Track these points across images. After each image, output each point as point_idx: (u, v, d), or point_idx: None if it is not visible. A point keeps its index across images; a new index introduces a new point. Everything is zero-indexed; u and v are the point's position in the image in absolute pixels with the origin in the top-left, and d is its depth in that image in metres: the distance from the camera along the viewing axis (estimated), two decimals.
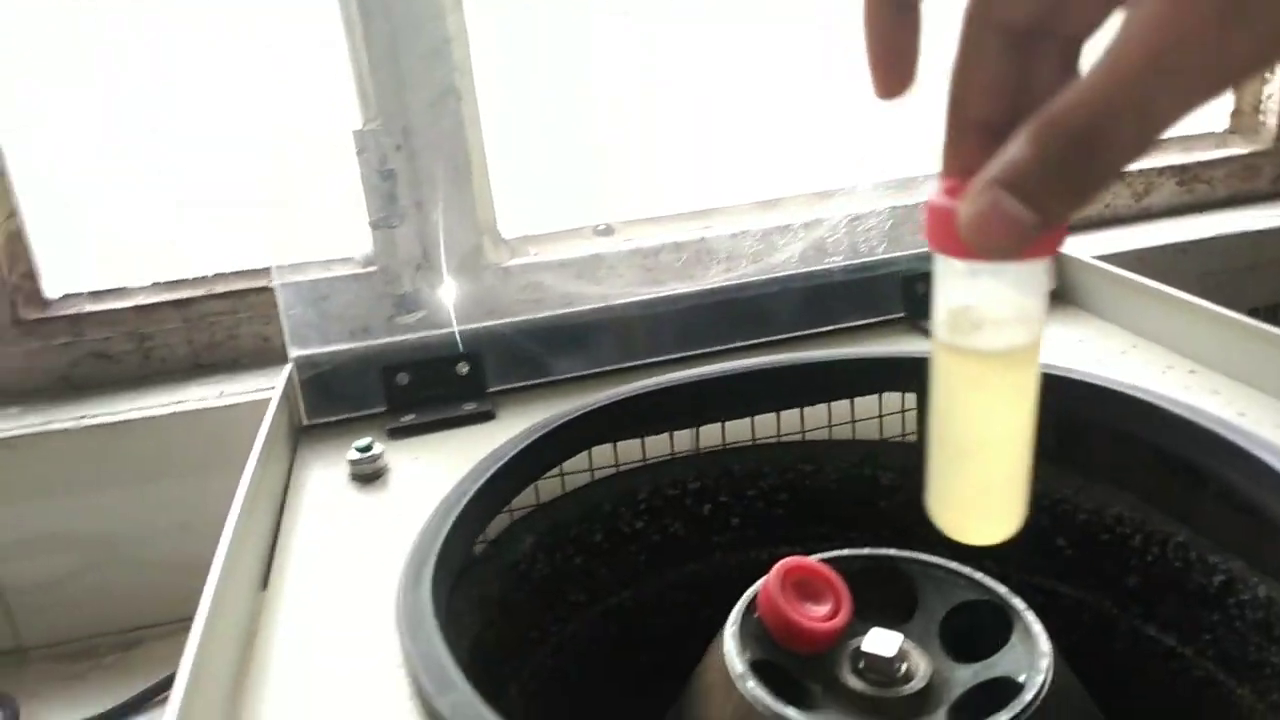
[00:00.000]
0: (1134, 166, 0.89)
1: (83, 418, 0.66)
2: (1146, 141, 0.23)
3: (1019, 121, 0.24)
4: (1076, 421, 0.56)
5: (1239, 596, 0.49)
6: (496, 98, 0.74)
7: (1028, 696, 0.39)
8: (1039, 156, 0.23)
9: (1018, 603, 0.45)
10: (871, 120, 0.73)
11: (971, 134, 0.27)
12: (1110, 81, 0.22)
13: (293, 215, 0.65)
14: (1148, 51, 0.22)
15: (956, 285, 0.29)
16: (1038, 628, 0.43)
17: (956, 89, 0.28)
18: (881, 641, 0.43)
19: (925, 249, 0.69)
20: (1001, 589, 0.46)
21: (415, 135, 0.69)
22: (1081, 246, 0.74)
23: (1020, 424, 0.30)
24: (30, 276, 0.72)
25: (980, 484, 0.31)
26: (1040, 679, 0.40)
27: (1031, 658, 0.41)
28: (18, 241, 0.71)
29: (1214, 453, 0.48)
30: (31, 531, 0.67)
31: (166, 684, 0.63)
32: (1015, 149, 0.24)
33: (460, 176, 0.71)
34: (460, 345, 0.62)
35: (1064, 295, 0.70)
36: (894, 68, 0.28)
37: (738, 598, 0.58)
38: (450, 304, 0.69)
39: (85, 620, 0.69)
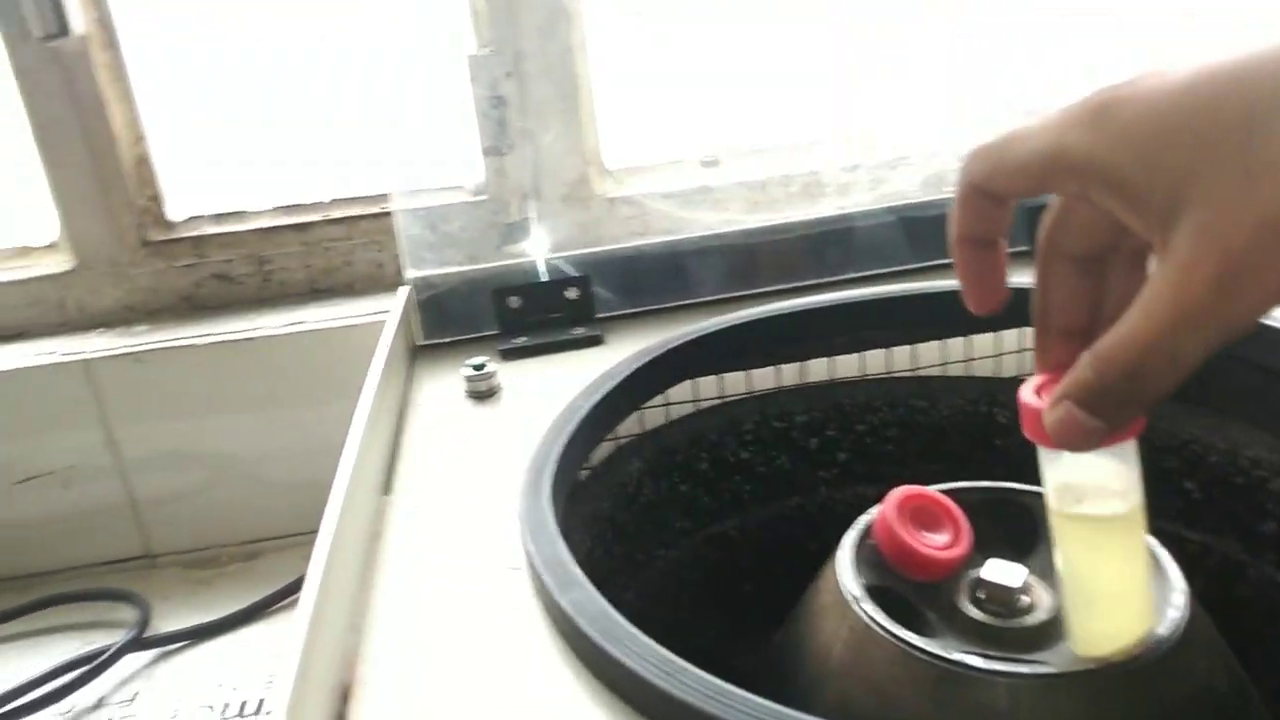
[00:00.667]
0: None
1: (206, 335, 0.69)
2: (1181, 375, 0.28)
3: (1098, 326, 0.31)
4: (1214, 358, 0.53)
5: None
6: (604, 23, 0.73)
7: (1162, 633, 0.37)
8: (1098, 382, 0.29)
9: (1149, 540, 0.43)
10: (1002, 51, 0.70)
11: (1057, 338, 0.33)
12: (1145, 332, 0.28)
13: (409, 141, 0.66)
14: (1166, 316, 0.27)
15: (1056, 466, 0.34)
16: (1170, 564, 0.41)
17: (1039, 305, 0.33)
18: (1004, 571, 0.42)
19: None
20: None
21: (526, 61, 0.68)
22: None
23: (1133, 575, 0.36)
24: (156, 199, 0.74)
25: (1106, 623, 0.37)
26: (1176, 616, 0.38)
27: (1165, 594, 0.40)
28: (145, 165, 0.74)
29: None
30: (161, 447, 0.70)
31: (286, 592, 0.66)
32: (1082, 371, 0.29)
33: (568, 105, 0.71)
34: (569, 270, 0.62)
35: None
36: (985, 293, 0.34)
37: (842, 531, 0.58)
38: (558, 231, 0.69)
39: (210, 531, 0.72)
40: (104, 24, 0.70)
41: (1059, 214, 0.32)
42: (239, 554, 0.72)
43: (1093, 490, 0.34)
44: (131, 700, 0.59)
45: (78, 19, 0.68)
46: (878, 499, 0.62)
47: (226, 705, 0.57)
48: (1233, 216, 0.26)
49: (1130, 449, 0.33)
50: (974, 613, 0.41)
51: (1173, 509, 0.55)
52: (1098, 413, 0.29)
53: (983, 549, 0.44)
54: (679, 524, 0.60)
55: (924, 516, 0.45)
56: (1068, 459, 0.34)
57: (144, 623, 0.63)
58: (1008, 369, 0.61)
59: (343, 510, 0.39)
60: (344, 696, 0.33)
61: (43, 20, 0.66)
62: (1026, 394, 0.32)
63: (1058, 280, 0.32)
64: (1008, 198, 0.32)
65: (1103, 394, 0.29)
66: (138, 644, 0.62)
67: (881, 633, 0.39)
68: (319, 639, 0.32)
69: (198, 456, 0.71)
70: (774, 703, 0.31)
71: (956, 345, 0.61)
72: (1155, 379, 0.28)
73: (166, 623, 0.65)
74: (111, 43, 0.70)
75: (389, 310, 0.60)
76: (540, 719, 0.31)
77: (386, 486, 0.45)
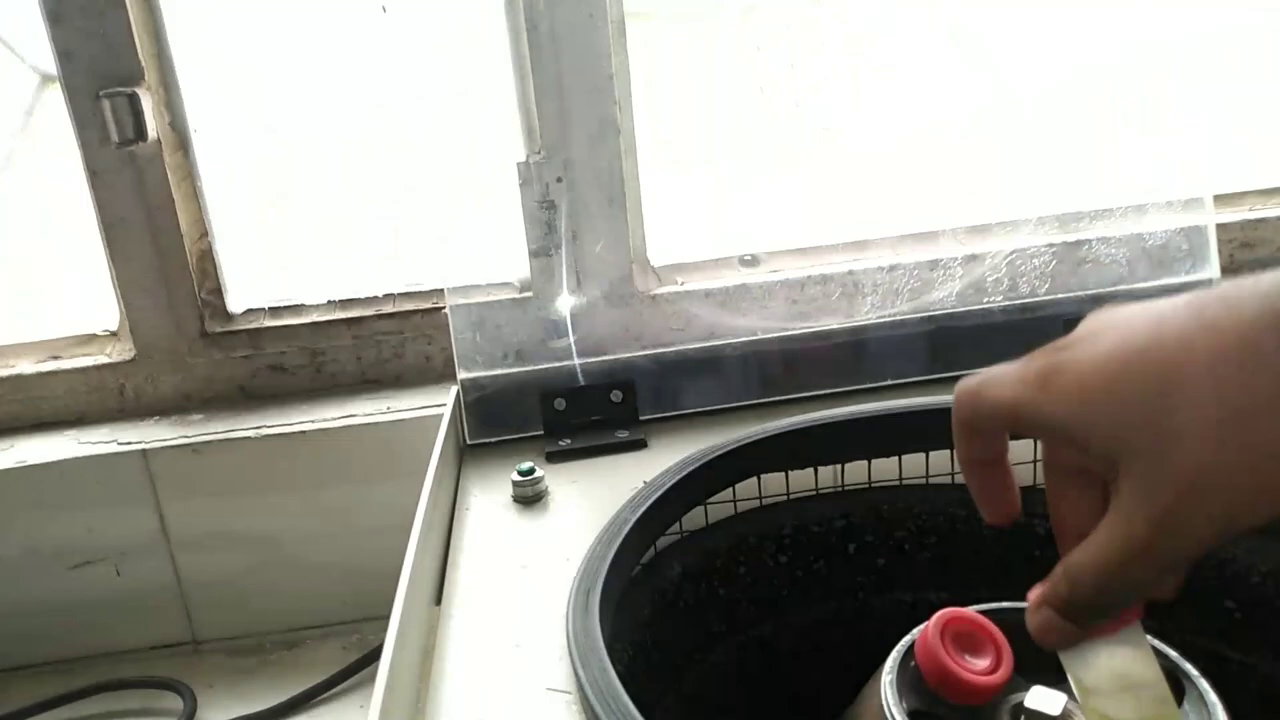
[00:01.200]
0: None
1: (260, 427, 0.71)
2: (1141, 592, 0.34)
3: None
4: None
5: None
6: (649, 129, 0.76)
7: None
8: (1069, 594, 0.34)
9: (1189, 668, 0.43)
10: (1031, 153, 0.71)
11: (1071, 538, 0.35)
12: (1103, 559, 0.32)
13: (460, 241, 0.69)
14: (1117, 548, 0.31)
15: (1071, 662, 0.37)
16: (1213, 696, 0.42)
17: (1051, 510, 0.37)
18: (1046, 699, 0.42)
19: (1089, 290, 0.67)
20: (1172, 652, 0.44)
21: (575, 168, 0.71)
22: None
23: None
24: (218, 293, 0.77)
25: None
26: None
27: None
28: (208, 259, 0.77)
29: None
30: (210, 531, 0.72)
31: (327, 685, 0.67)
32: (1056, 583, 0.35)
33: (615, 207, 0.73)
34: (612, 373, 0.64)
35: None
36: (997, 506, 0.39)
37: (880, 638, 0.58)
38: (600, 331, 0.71)
39: (254, 618, 0.73)
40: (177, 128, 0.74)
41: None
42: (280, 641, 0.73)
43: (1108, 680, 0.37)
44: None
45: (153, 123, 0.72)
46: (916, 607, 0.63)
47: None
48: (1157, 478, 0.30)
49: (1133, 632, 0.37)
50: None
51: (1213, 628, 0.55)
52: (1071, 618, 0.35)
53: (1024, 671, 0.45)
54: (716, 628, 0.60)
55: (966, 639, 0.45)
56: (1078, 655, 0.37)
57: (192, 713, 0.65)
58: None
59: (401, 623, 0.40)
60: None
61: (121, 127, 0.70)
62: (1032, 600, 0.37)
63: (1059, 490, 0.36)
64: (991, 434, 0.36)
65: (1073, 604, 0.34)
66: None
67: None
68: None
69: (245, 543, 0.73)
70: None
71: None
72: (1116, 595, 0.33)
73: (213, 711, 0.66)
74: (183, 145, 0.74)
75: (438, 405, 0.62)
76: None
77: (437, 596, 0.47)
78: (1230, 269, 0.83)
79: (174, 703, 0.66)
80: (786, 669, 0.62)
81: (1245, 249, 0.83)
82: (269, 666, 0.71)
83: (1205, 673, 0.43)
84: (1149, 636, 0.46)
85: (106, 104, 0.70)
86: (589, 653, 0.38)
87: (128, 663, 0.72)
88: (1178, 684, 0.43)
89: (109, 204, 0.74)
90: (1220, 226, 0.82)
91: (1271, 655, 0.53)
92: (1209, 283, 0.66)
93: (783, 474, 0.62)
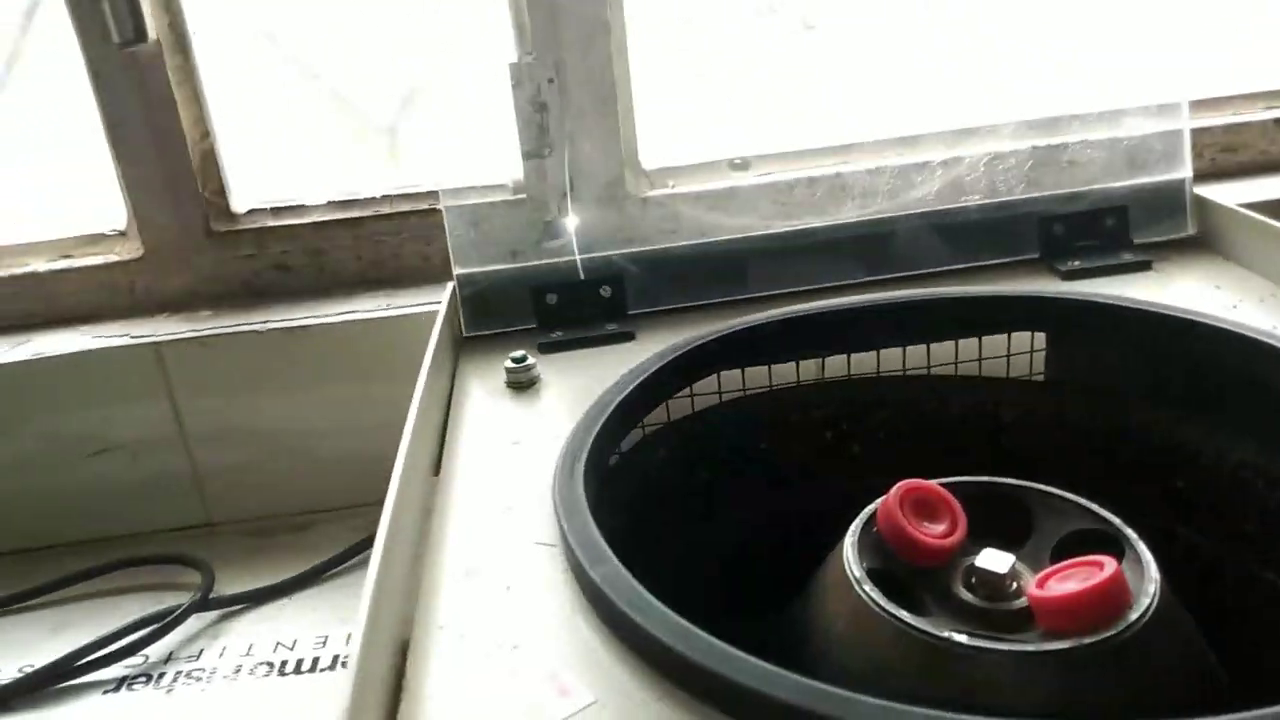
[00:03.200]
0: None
1: (266, 321, 0.74)
2: None
3: None
4: (1206, 367, 0.57)
5: None
6: (641, 30, 0.77)
7: (1132, 616, 0.41)
8: None
9: (1130, 532, 0.47)
10: (1013, 58, 0.73)
11: None
12: None
13: (455, 143, 0.71)
14: None
15: None
16: (1147, 556, 0.45)
17: None
18: (994, 559, 0.46)
19: (1064, 190, 0.69)
20: (1115, 519, 0.48)
21: (566, 69, 0.73)
22: (1223, 193, 0.73)
23: None
24: (221, 193, 0.79)
25: None
26: (1147, 601, 0.42)
27: (1140, 582, 0.44)
28: (211, 161, 0.79)
29: None
30: (221, 423, 0.76)
31: (336, 561, 0.71)
32: None
33: (606, 109, 0.75)
34: (603, 270, 0.66)
35: (1203, 241, 0.69)
36: None
37: (855, 519, 0.62)
38: (593, 231, 0.73)
39: (266, 502, 0.77)
40: (176, 29, 0.75)
41: None
42: (290, 524, 0.77)
43: None
44: (198, 656, 0.64)
45: (153, 25, 0.73)
46: (886, 490, 0.67)
47: (284, 663, 0.63)
48: None
49: None
50: (965, 596, 0.46)
51: (1164, 507, 0.59)
52: None
53: (977, 538, 0.48)
54: (696, 509, 0.64)
55: (924, 507, 0.49)
56: None
57: (209, 587, 0.69)
58: (1017, 369, 0.65)
59: (400, 488, 0.44)
60: (402, 652, 0.38)
61: (121, 27, 0.71)
62: (1034, 590, 0.41)
63: None
64: None
65: None
66: (204, 605, 0.68)
67: (880, 611, 0.43)
68: (383, 601, 0.37)
69: (255, 432, 0.77)
70: (779, 668, 0.36)
71: (969, 345, 0.65)
72: None
73: (228, 586, 0.70)
74: (183, 47, 0.76)
75: (435, 302, 0.65)
76: (571, 677, 0.36)
77: (436, 468, 0.50)
78: (1212, 173, 0.85)
79: (192, 577, 0.71)
80: (764, 549, 0.66)
81: (1227, 153, 0.85)
82: (281, 546, 0.75)
83: (1153, 548, 0.46)
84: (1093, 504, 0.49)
85: (106, 4, 0.71)
86: (573, 509, 0.42)
87: (147, 543, 0.76)
88: (1119, 547, 0.47)
89: (113, 105, 0.75)
90: (1203, 130, 0.84)
91: (1217, 535, 0.57)
92: (1182, 183, 0.68)
93: (765, 367, 0.65)
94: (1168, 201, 0.68)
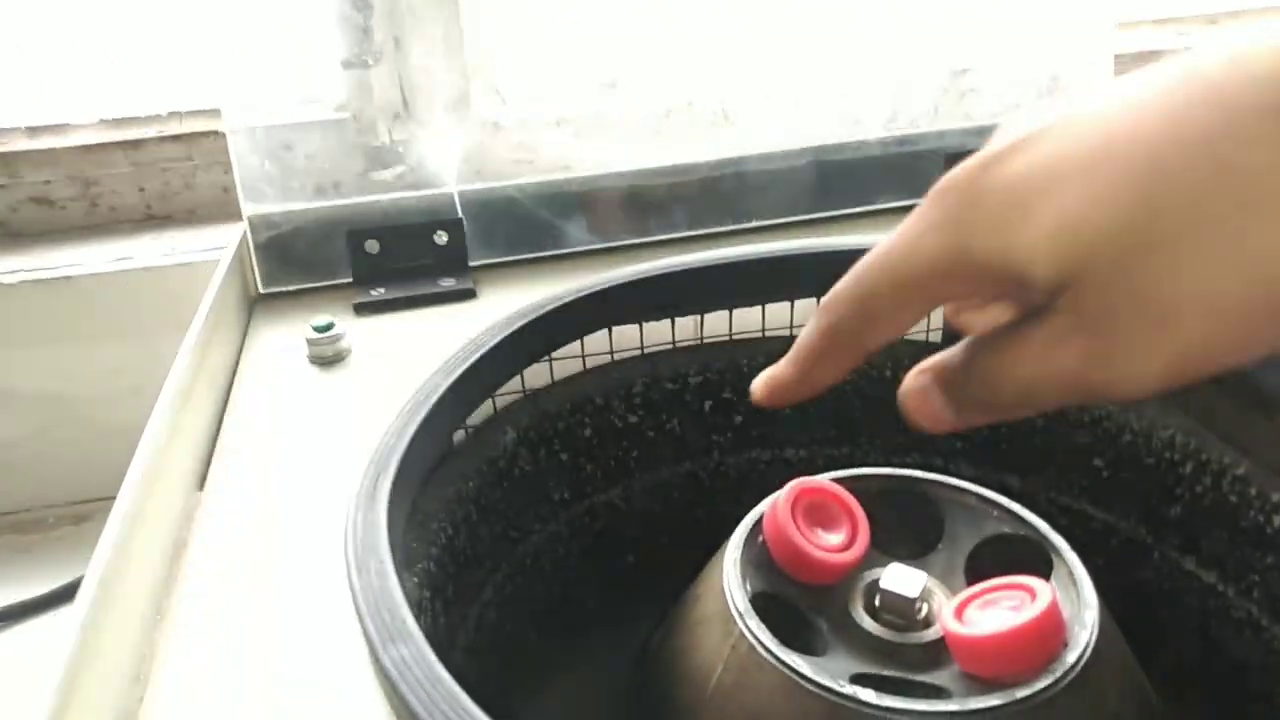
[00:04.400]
0: (1203, 40, 0.79)
1: (17, 271, 0.59)
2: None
3: None
4: None
5: None
6: None
7: (1070, 658, 0.34)
8: (966, 384, 0.28)
9: (1058, 540, 0.40)
10: None
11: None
12: (1031, 375, 0.26)
13: (252, 48, 0.57)
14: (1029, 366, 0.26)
15: None
16: (1081, 571, 0.38)
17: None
18: (901, 579, 0.38)
19: (972, 124, 0.61)
20: (1041, 524, 0.40)
21: None
22: None
23: None
24: None
25: None
26: (1085, 636, 0.35)
27: (1075, 609, 0.36)
28: None
29: None
30: None
31: None
32: (955, 351, 0.28)
33: (446, 9, 0.62)
34: (439, 210, 0.54)
35: None
36: (795, 394, 0.31)
37: (735, 500, 0.53)
38: (432, 160, 0.61)
39: (32, 489, 0.64)
40: None
41: None
42: (66, 515, 0.64)
43: None
44: None
45: None
46: (773, 465, 0.58)
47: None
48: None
49: None
50: (869, 624, 0.38)
51: (1078, 486, 0.52)
52: (952, 400, 0.29)
53: (880, 543, 0.41)
54: (558, 496, 0.54)
55: (818, 513, 0.41)
56: None
57: None
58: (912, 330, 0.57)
59: (132, 513, 0.32)
60: None
61: None
62: (951, 623, 0.35)
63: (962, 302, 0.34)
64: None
65: (965, 382, 0.28)
66: None
67: (767, 656, 0.35)
68: (79, 696, 0.26)
69: (10, 398, 0.62)
70: None
71: None
72: (1021, 408, 0.28)
73: None
74: None
75: (224, 247, 0.52)
76: None
77: (201, 480, 0.38)
78: None
79: None
80: (633, 534, 0.57)
81: None
82: (51, 544, 0.62)
83: (1067, 534, 0.39)
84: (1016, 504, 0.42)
85: None
86: (367, 553, 0.31)
87: None
88: (1045, 558, 0.39)
89: None
90: (1115, 57, 0.76)
91: (1135, 516, 0.51)
92: None
93: (636, 326, 0.55)
94: None
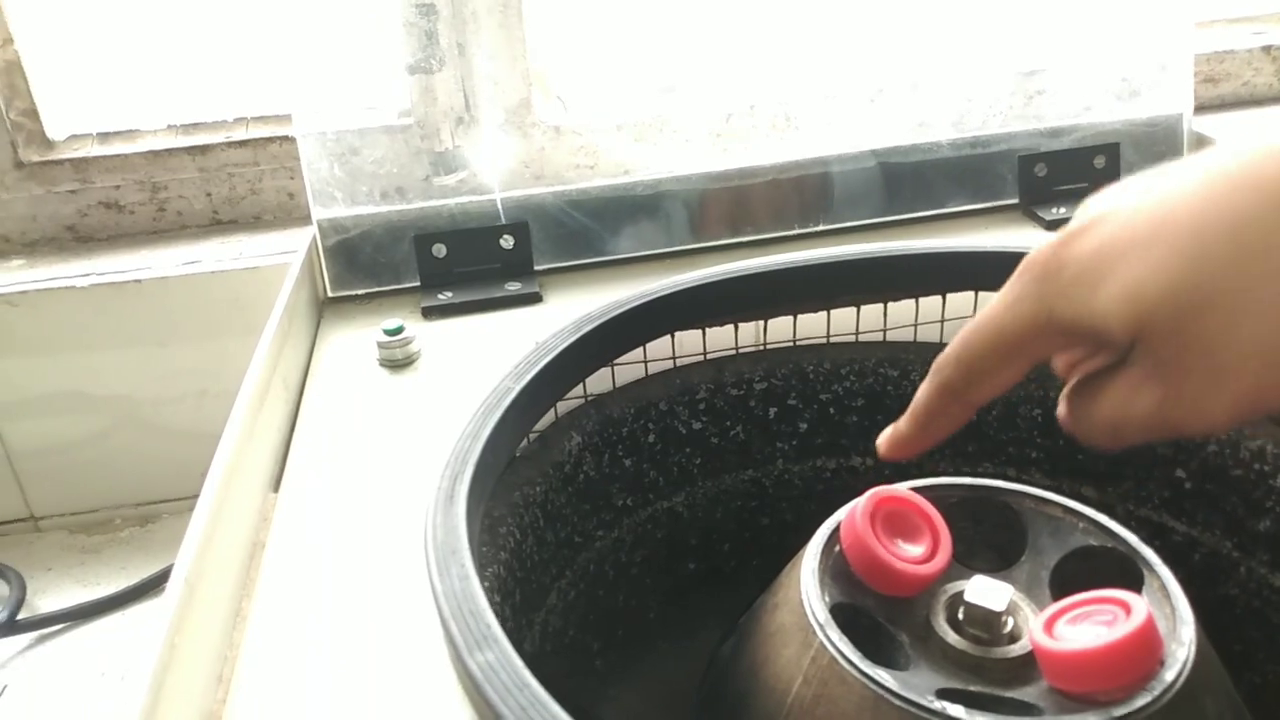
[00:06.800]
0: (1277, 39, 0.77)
1: (88, 275, 0.60)
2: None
3: None
4: None
5: None
6: None
7: (1168, 676, 0.33)
8: (1068, 408, 0.33)
9: (1149, 554, 0.38)
10: None
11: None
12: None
13: (320, 54, 0.57)
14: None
15: None
16: (1175, 586, 0.37)
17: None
18: (987, 592, 0.36)
19: (1046, 125, 0.60)
20: (1130, 536, 0.39)
21: None
22: (1219, 126, 0.64)
23: None
24: (32, 114, 0.64)
25: None
26: (1184, 654, 0.33)
27: (1170, 624, 0.35)
28: (16, 73, 0.64)
29: None
30: (37, 391, 0.62)
31: None
32: (1065, 391, 0.33)
33: (509, 15, 0.62)
34: (504, 215, 0.54)
35: None
36: (915, 446, 0.36)
37: (799, 509, 0.52)
38: (495, 165, 0.61)
39: (99, 490, 0.64)
40: None
41: None
42: (133, 516, 0.65)
43: None
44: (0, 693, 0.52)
45: None
46: (839, 474, 0.57)
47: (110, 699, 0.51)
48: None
49: None
50: (952, 638, 0.37)
51: (1159, 497, 0.51)
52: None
53: (962, 555, 0.39)
54: (621, 502, 0.54)
55: (898, 523, 0.39)
56: None
57: (19, 602, 0.56)
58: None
59: (213, 515, 0.32)
60: None
61: None
62: (1041, 638, 0.34)
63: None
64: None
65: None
66: (9, 628, 0.55)
67: (849, 669, 0.34)
68: (167, 697, 0.26)
69: (80, 401, 0.63)
70: None
71: (931, 305, 0.55)
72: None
73: (47, 599, 0.58)
74: None
75: (295, 251, 0.52)
76: None
77: (276, 482, 0.38)
78: (1195, 106, 0.76)
79: (0, 590, 0.58)
80: (696, 542, 0.57)
81: (1208, 84, 0.76)
82: (118, 545, 0.63)
83: (1148, 546, 0.38)
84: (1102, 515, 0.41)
85: None
86: (448, 556, 0.31)
87: None
88: (1133, 571, 0.38)
89: None
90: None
91: (1218, 529, 0.49)
92: (1179, 118, 0.59)
93: (699, 331, 0.54)
94: (1163, 139, 0.59)
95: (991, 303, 0.32)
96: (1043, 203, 0.58)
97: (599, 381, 0.52)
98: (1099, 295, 0.28)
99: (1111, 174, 0.59)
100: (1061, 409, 0.33)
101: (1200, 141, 0.60)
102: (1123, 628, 0.33)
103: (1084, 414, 0.31)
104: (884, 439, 0.37)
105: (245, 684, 0.30)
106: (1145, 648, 0.33)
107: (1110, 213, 0.29)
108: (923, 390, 0.34)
